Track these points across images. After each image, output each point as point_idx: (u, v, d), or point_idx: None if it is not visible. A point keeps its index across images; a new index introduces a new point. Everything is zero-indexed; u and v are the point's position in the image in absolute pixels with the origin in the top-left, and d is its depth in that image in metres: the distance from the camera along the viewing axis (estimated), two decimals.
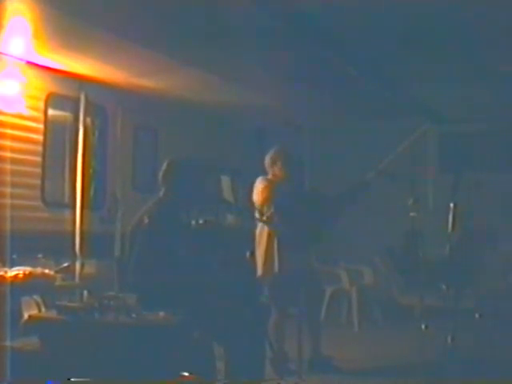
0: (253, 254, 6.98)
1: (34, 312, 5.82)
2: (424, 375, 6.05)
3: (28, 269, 6.38)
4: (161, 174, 5.09)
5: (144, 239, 4.78)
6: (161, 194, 5.03)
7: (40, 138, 7.70)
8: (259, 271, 6.56)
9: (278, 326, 6.54)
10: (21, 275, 6.24)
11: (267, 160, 6.77)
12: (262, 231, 6.63)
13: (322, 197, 6.73)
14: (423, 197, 6.60)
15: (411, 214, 6.40)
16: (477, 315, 7.64)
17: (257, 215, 6.54)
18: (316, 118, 10.60)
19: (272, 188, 6.57)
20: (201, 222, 5.01)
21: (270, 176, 6.75)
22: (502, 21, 6.79)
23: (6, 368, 4.36)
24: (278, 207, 6.38)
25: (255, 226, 6.68)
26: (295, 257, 6.41)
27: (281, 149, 6.80)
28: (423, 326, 6.22)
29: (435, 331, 6.29)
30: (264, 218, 6.45)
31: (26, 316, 5.04)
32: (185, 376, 4.24)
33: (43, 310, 6.06)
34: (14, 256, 6.46)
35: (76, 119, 8.24)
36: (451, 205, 6.46)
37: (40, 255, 6.92)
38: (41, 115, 7.73)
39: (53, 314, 4.66)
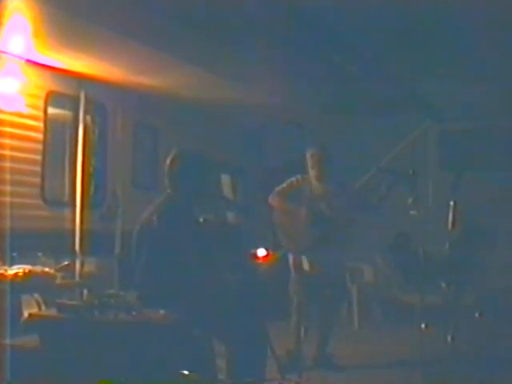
0: (254, 253, 7.04)
1: (34, 310, 5.82)
2: (424, 374, 6.05)
3: (28, 267, 6.39)
4: (166, 168, 5.03)
5: (154, 237, 4.75)
6: (169, 190, 4.99)
7: (40, 136, 7.69)
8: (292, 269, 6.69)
9: (296, 326, 6.60)
10: (21, 273, 6.25)
11: (307, 159, 6.82)
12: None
13: (354, 196, 6.79)
14: (423, 195, 6.58)
15: (411, 212, 6.40)
16: (477, 314, 7.64)
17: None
18: (317, 116, 10.59)
19: (289, 189, 6.65)
20: (201, 219, 5.00)
21: (307, 175, 6.79)
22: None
23: (6, 366, 4.36)
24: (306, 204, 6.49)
25: (257, 224, 6.73)
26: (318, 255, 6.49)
27: (318, 148, 6.83)
28: (423, 325, 6.23)
29: (435, 330, 6.29)
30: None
31: (26, 314, 5.04)
32: (185, 374, 4.23)
33: (43, 308, 6.07)
34: (14, 254, 6.47)
35: (76, 117, 8.24)
36: (451, 203, 6.47)
37: (40, 253, 6.93)
38: (40, 113, 7.72)
39: (53, 312, 4.66)
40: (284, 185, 6.76)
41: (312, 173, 6.74)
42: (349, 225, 6.80)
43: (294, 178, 6.78)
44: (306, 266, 6.58)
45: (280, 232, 6.77)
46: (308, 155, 6.76)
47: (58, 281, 6.55)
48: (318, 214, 6.58)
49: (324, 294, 6.64)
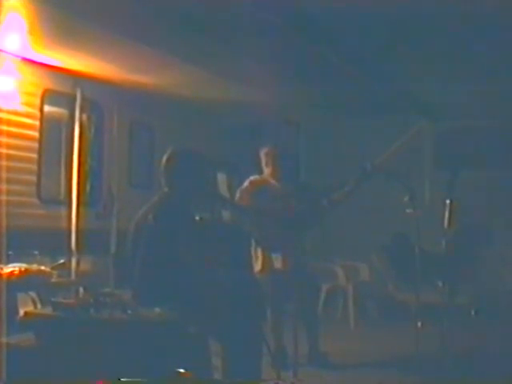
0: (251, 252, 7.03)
1: (30, 308, 5.81)
2: (420, 372, 6.04)
3: (24, 265, 6.38)
4: (162, 167, 5.02)
5: (151, 236, 4.74)
6: (165, 189, 4.98)
7: (36, 134, 7.68)
8: (256, 268, 6.62)
9: (275, 323, 6.58)
10: (17, 272, 6.24)
11: (261, 157, 6.84)
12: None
13: (315, 194, 6.77)
14: (419, 193, 6.59)
15: (407, 210, 6.40)
16: (472, 312, 7.66)
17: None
18: (311, 114, 10.59)
19: (252, 188, 6.65)
20: (197, 218, 4.99)
21: (263, 174, 6.81)
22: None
23: (2, 364, 4.35)
24: (264, 204, 6.48)
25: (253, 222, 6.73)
26: (284, 255, 6.47)
27: (272, 147, 6.85)
28: (419, 323, 6.23)
29: (431, 328, 6.30)
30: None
31: (21, 312, 5.04)
32: (181, 373, 4.23)
33: (39, 306, 6.06)
34: (10, 253, 6.44)
35: (72, 116, 8.22)
36: (447, 201, 6.47)
37: (36, 252, 6.92)
38: (36, 112, 7.71)
39: (48, 310, 4.66)
40: (246, 183, 6.78)
41: (267, 171, 6.78)
42: (314, 223, 6.81)
43: (252, 177, 6.81)
44: (278, 264, 6.57)
45: (250, 230, 6.78)
46: (261, 153, 6.82)
47: (54, 279, 6.54)
48: (280, 212, 6.57)
49: (293, 293, 6.59)
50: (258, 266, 6.66)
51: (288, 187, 6.72)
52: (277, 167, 6.76)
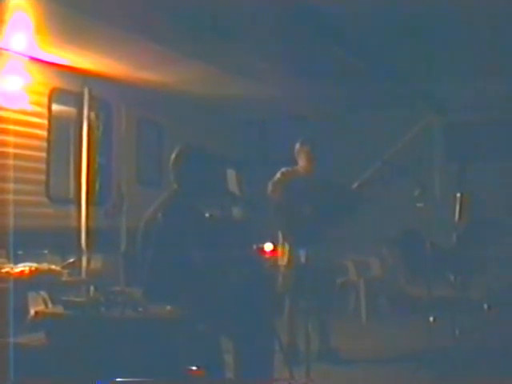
0: (261, 248, 7.00)
1: (41, 308, 5.80)
2: (432, 367, 6.01)
3: (34, 265, 6.38)
4: (171, 164, 5.00)
5: (160, 233, 4.72)
6: (174, 186, 4.96)
7: (44, 133, 7.69)
8: (281, 263, 6.64)
9: (291, 319, 6.57)
10: (27, 271, 6.24)
11: (295, 150, 6.83)
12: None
13: (343, 189, 6.77)
14: (430, 187, 6.55)
15: (418, 204, 6.37)
16: (485, 306, 7.60)
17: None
18: (321, 109, 10.57)
19: (283, 181, 6.62)
20: (207, 215, 4.97)
21: (295, 166, 6.79)
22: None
23: (9, 364, 4.35)
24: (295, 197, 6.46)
25: (263, 218, 6.71)
26: (311, 249, 6.44)
27: (306, 140, 6.85)
28: (431, 318, 6.19)
29: (443, 323, 6.26)
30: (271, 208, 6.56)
31: (32, 312, 5.03)
32: (193, 370, 4.21)
33: (50, 305, 6.05)
34: (20, 252, 6.45)
35: (80, 114, 8.22)
36: (458, 195, 6.44)
37: (46, 251, 6.92)
38: (44, 110, 7.71)
39: (59, 309, 4.64)
40: (278, 175, 6.77)
41: (301, 164, 6.77)
42: (343, 219, 6.78)
43: (283, 169, 6.80)
44: (303, 259, 6.55)
45: (278, 224, 6.76)
46: (296, 146, 6.80)
47: (64, 278, 6.54)
48: (309, 205, 6.54)
49: (317, 288, 6.55)
50: (283, 261, 6.67)
51: (319, 181, 6.69)
52: (311, 161, 6.74)
